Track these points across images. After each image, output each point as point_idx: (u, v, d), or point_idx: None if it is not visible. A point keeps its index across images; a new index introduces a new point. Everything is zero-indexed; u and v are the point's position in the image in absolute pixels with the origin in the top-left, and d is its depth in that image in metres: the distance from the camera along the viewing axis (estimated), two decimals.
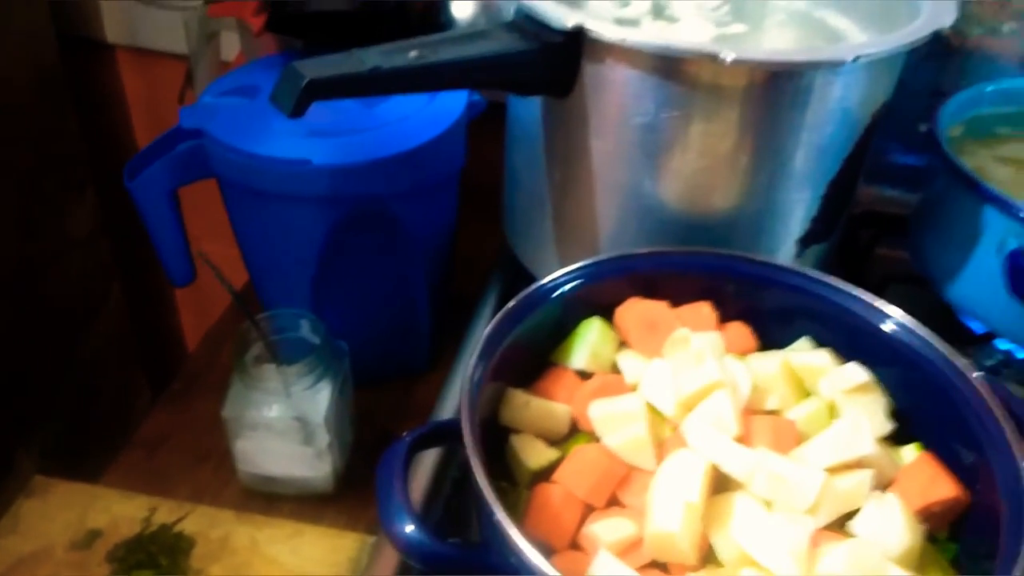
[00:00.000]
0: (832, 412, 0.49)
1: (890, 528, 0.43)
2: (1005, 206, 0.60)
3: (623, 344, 0.53)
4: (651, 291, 0.53)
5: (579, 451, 0.47)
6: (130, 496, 0.62)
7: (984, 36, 0.78)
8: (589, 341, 0.52)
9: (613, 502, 0.46)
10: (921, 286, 0.69)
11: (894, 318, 0.50)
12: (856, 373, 0.49)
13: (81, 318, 1.08)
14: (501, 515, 0.39)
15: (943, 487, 0.45)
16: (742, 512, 0.43)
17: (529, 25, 0.54)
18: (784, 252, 0.60)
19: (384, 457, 0.45)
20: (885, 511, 0.44)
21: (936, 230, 0.68)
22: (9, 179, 0.93)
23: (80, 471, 0.65)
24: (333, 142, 0.60)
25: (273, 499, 0.63)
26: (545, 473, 0.47)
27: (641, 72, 0.53)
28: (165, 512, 0.61)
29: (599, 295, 0.53)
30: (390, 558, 0.56)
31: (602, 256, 0.53)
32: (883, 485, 0.46)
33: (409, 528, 0.42)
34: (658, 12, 0.66)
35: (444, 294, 0.73)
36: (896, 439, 0.49)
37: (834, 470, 0.44)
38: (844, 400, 0.49)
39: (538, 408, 0.49)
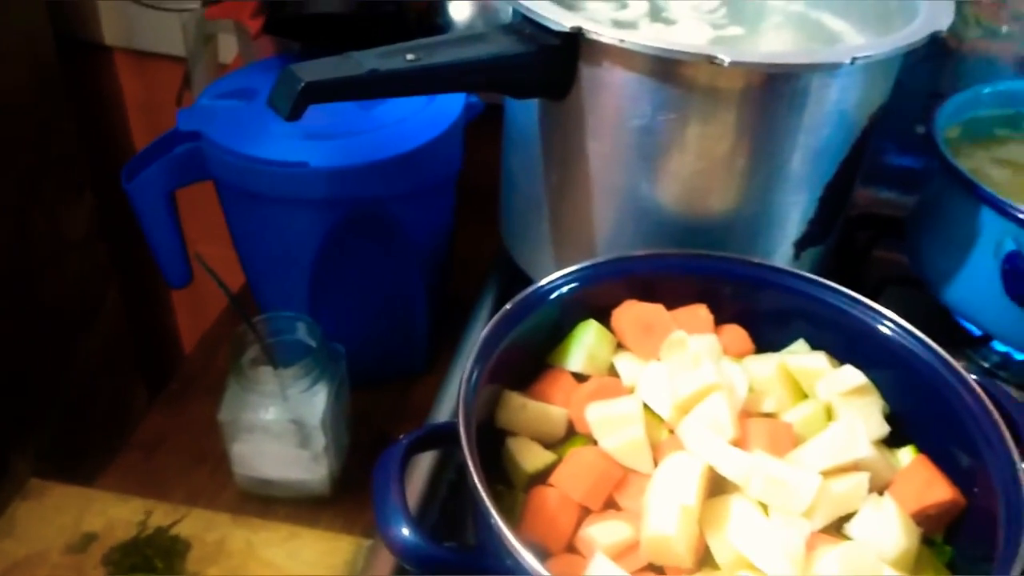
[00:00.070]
0: (828, 415, 0.49)
1: (886, 531, 0.43)
2: (1002, 208, 0.60)
3: (620, 346, 0.53)
4: (648, 293, 0.53)
5: (575, 454, 0.47)
6: (126, 499, 0.62)
7: (981, 38, 0.78)
8: (586, 343, 0.51)
9: (610, 505, 0.46)
10: (918, 288, 0.69)
11: (890, 321, 0.50)
12: (852, 376, 0.49)
13: (78, 320, 1.08)
14: (497, 518, 0.39)
15: (939, 490, 0.45)
16: (738, 515, 0.43)
17: (526, 27, 0.54)
18: (781, 254, 0.60)
19: (380, 460, 0.45)
20: (881, 514, 0.44)
21: (933, 232, 0.68)
22: (7, 181, 0.93)
23: (76, 474, 0.65)
24: (330, 144, 0.60)
25: (269, 502, 0.63)
26: (541, 476, 0.47)
27: (638, 74, 0.53)
28: (161, 515, 0.61)
29: (596, 297, 0.53)
30: (386, 561, 0.56)
31: (599, 258, 0.53)
32: (879, 488, 0.46)
33: (405, 531, 0.42)
34: (655, 14, 0.66)
35: (441, 296, 0.73)
36: (892, 442, 0.49)
37: (830, 473, 0.44)
38: (840, 403, 0.49)
39: (534, 411, 0.49)
